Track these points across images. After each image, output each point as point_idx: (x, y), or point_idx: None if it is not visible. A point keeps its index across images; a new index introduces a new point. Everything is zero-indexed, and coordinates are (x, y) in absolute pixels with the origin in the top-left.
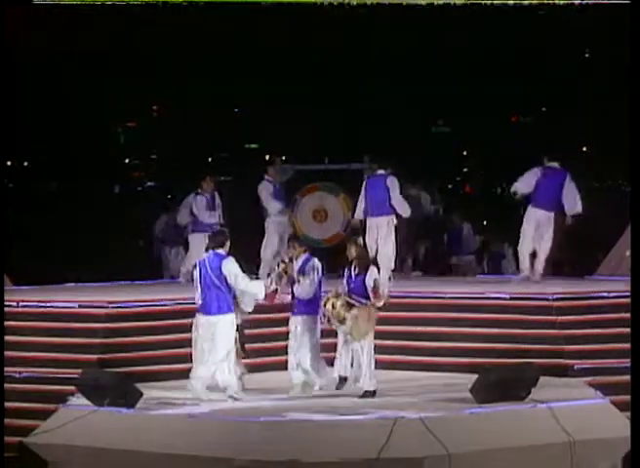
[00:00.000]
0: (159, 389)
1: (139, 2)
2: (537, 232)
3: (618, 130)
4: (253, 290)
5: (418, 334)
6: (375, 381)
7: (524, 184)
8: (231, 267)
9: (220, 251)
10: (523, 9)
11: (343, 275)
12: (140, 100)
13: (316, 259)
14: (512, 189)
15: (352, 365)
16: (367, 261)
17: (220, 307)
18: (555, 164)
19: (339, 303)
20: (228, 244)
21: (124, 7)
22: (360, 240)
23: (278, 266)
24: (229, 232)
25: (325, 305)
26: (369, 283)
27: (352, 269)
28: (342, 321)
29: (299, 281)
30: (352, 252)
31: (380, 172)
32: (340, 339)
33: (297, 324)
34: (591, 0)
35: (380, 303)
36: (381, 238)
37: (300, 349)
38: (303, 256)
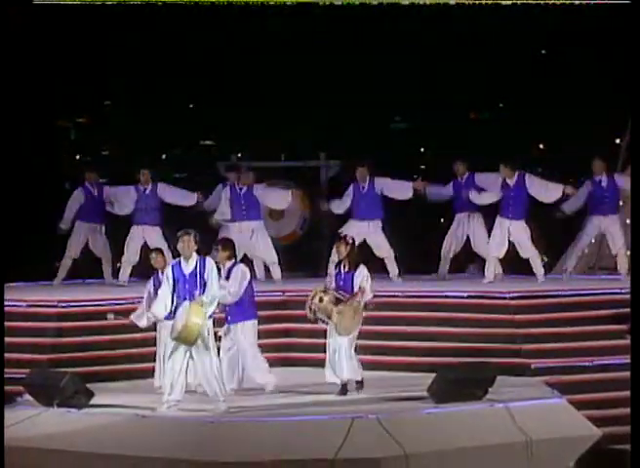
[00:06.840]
0: (111, 390)
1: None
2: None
3: (579, 129)
4: None
5: (373, 334)
6: (360, 371)
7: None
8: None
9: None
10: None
11: (335, 273)
12: (92, 96)
13: (242, 265)
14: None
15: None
16: (357, 259)
17: None
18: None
19: (326, 298)
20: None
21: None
22: (350, 238)
23: None
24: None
25: (312, 299)
26: (356, 280)
27: (342, 267)
28: (329, 316)
29: (224, 287)
30: (342, 251)
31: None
32: (329, 338)
33: (237, 331)
34: (591, 0)
35: (360, 299)
36: (258, 241)
37: (244, 356)
38: (229, 263)
